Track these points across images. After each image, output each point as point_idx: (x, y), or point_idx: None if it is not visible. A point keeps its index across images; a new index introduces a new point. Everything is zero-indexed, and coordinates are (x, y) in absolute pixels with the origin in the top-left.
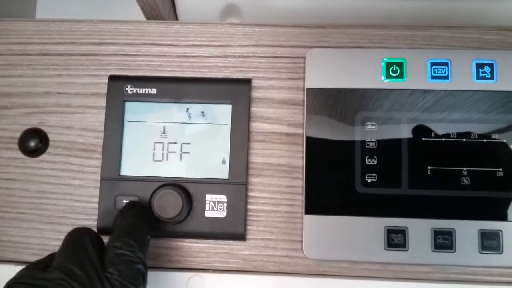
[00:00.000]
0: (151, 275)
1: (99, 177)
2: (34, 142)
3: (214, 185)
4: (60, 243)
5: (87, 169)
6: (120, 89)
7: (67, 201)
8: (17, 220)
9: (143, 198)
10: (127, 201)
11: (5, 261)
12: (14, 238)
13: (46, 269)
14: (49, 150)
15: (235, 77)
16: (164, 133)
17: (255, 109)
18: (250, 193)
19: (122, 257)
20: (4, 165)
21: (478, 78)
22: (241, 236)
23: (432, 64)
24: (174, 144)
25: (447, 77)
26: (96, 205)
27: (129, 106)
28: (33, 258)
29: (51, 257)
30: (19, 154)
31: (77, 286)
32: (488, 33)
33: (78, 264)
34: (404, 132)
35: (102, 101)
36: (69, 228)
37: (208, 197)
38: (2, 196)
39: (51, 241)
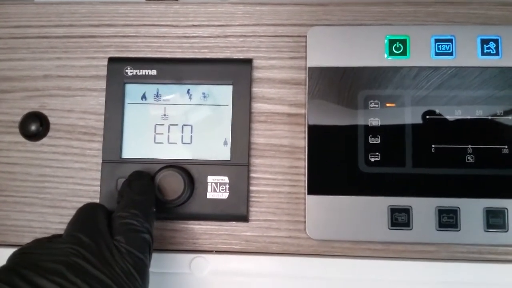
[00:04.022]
0: (154, 257)
1: (100, 160)
2: (35, 125)
3: (216, 166)
4: (62, 226)
5: (88, 152)
6: (120, 71)
7: (69, 184)
8: (20, 204)
9: None
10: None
11: (8, 245)
12: (17, 222)
13: (52, 240)
14: (50, 133)
15: (236, 57)
16: (165, 115)
17: (256, 90)
18: (252, 174)
19: (128, 226)
20: (6, 149)
21: (483, 54)
22: (243, 218)
23: (436, 40)
24: (175, 126)
25: (451, 54)
26: (98, 188)
27: (129, 88)
28: None
29: (54, 236)
30: (20, 138)
31: (84, 253)
32: (493, 9)
33: (86, 232)
34: (408, 110)
35: (102, 84)
36: (72, 212)
37: (210, 178)
38: (4, 180)
39: (53, 224)
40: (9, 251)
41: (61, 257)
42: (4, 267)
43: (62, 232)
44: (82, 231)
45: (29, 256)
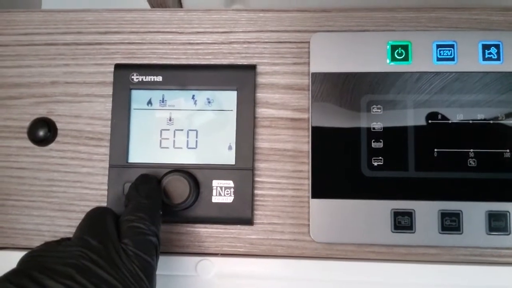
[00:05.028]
0: (161, 260)
1: (107, 165)
2: (43, 131)
3: (220, 170)
4: (70, 229)
5: (95, 157)
6: (126, 77)
7: (76, 188)
8: (29, 208)
9: None
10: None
11: (18, 248)
12: (26, 226)
13: (61, 243)
14: (58, 139)
15: (240, 63)
16: (170, 120)
17: (260, 95)
18: (256, 178)
19: (135, 229)
20: (15, 154)
21: (484, 59)
22: (248, 221)
23: (438, 46)
24: (181, 131)
25: (453, 59)
26: (105, 192)
27: (135, 94)
28: None
29: (63, 239)
30: (29, 143)
31: (93, 256)
32: (495, 14)
33: (94, 236)
34: (410, 115)
35: (109, 90)
36: (80, 215)
37: (215, 182)
38: (14, 185)
39: (61, 228)
40: (19, 254)
41: (70, 260)
42: (14, 270)
43: (70, 235)
44: (91, 235)
45: (39, 259)
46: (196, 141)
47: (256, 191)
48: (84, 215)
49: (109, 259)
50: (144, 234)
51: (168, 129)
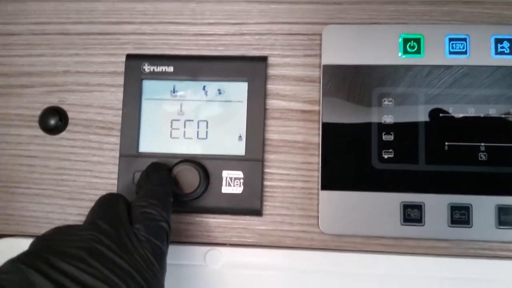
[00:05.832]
0: (170, 249)
1: (117, 154)
2: (54, 120)
3: (230, 161)
4: (80, 218)
5: (106, 146)
6: (138, 67)
7: (87, 177)
8: (39, 196)
9: None
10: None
11: (27, 235)
12: (36, 214)
13: (73, 227)
14: (68, 128)
15: (251, 54)
16: (181, 110)
17: (271, 87)
18: (266, 170)
19: (147, 215)
20: (26, 142)
21: (496, 53)
22: (257, 212)
23: (450, 39)
24: (191, 122)
25: (465, 53)
26: (115, 181)
27: (147, 84)
28: None
29: (74, 225)
30: (40, 132)
31: (104, 239)
32: (508, 8)
33: (106, 220)
34: (421, 108)
35: (120, 80)
36: (90, 204)
37: (225, 173)
38: (24, 173)
39: (71, 216)
40: (28, 242)
41: (82, 243)
42: (26, 251)
43: (80, 223)
44: (103, 219)
45: (51, 242)
46: (207, 131)
47: (265, 182)
48: (94, 202)
49: (120, 243)
50: (155, 220)
51: (179, 120)
